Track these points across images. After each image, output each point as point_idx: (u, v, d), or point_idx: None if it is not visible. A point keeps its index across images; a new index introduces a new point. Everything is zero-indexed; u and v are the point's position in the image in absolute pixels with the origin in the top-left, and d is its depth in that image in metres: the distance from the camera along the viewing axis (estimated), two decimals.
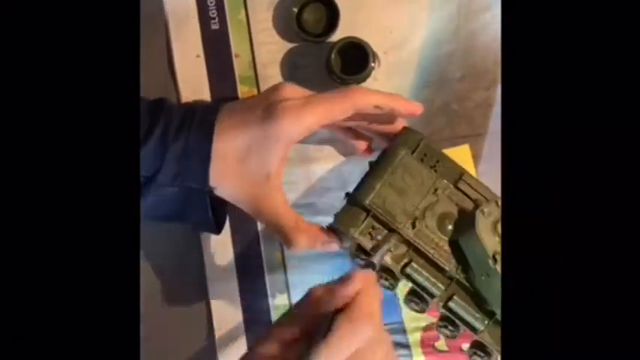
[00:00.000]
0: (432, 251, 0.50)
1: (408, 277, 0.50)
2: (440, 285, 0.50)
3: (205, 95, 0.61)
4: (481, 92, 0.59)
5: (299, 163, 0.60)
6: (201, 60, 0.61)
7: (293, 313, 0.43)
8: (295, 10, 0.59)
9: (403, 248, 0.51)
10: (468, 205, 0.52)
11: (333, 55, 0.57)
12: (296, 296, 0.60)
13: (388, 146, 0.53)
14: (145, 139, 0.50)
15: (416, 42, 0.60)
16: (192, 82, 0.61)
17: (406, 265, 0.50)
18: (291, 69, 0.61)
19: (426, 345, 0.59)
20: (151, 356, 0.58)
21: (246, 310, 0.60)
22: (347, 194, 0.52)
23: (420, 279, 0.50)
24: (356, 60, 0.58)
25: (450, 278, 0.50)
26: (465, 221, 0.50)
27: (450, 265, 0.50)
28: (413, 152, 0.53)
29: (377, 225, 0.51)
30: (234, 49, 0.61)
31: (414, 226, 0.51)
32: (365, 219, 0.50)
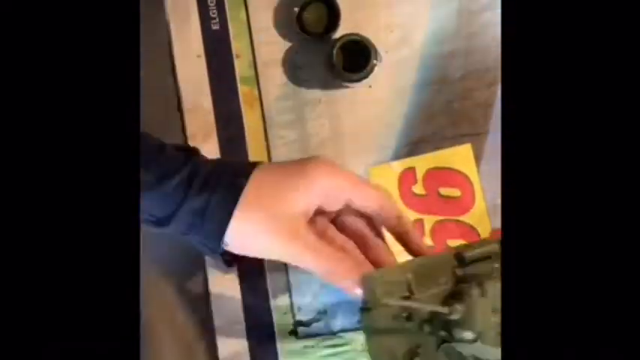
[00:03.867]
0: None
1: None
2: None
3: (206, 95, 0.61)
4: (482, 91, 0.59)
5: None
6: (202, 60, 0.61)
7: None
8: (296, 9, 0.59)
9: None
10: None
11: (334, 52, 0.57)
12: (297, 296, 0.60)
13: None
14: (163, 180, 0.48)
15: (417, 41, 0.60)
16: (193, 82, 0.61)
17: None
18: (292, 68, 0.61)
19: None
20: (151, 356, 0.58)
21: (247, 309, 0.60)
22: None
23: None
24: (358, 57, 0.58)
25: None
26: None
27: None
28: None
29: None
30: (234, 49, 0.61)
31: None
32: None
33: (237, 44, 0.61)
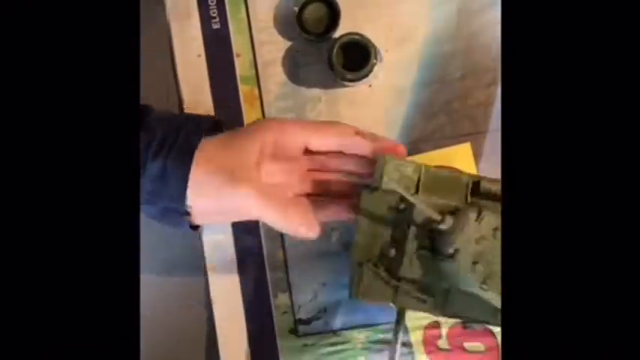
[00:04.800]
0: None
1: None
2: None
3: (206, 95, 0.61)
4: (482, 90, 0.59)
5: None
6: (202, 59, 0.61)
7: None
8: (296, 9, 0.59)
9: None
10: None
11: (334, 52, 0.57)
12: (297, 295, 0.60)
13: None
14: None
15: (417, 40, 0.60)
16: (194, 82, 0.61)
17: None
18: (293, 68, 0.61)
19: (429, 343, 0.59)
20: (152, 356, 0.58)
21: (247, 308, 0.60)
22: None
23: None
24: (358, 56, 0.58)
25: None
26: None
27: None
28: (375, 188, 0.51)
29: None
30: (235, 49, 0.61)
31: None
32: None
33: (238, 43, 0.61)
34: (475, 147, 0.58)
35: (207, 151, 0.51)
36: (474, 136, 0.59)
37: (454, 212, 0.48)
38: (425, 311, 0.51)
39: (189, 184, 0.50)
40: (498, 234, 0.47)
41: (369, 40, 0.58)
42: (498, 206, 0.49)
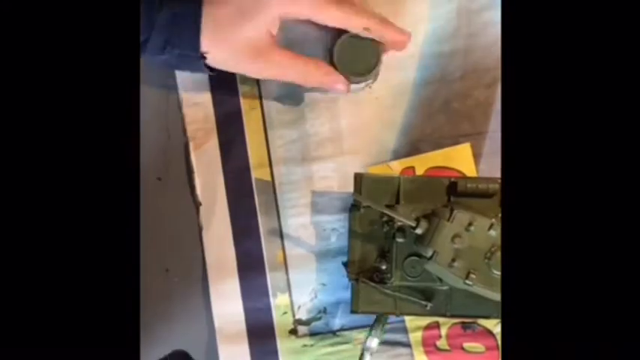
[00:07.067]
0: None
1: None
2: None
3: (206, 95, 0.61)
4: (482, 90, 0.59)
5: (300, 163, 0.60)
6: None
7: None
8: None
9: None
10: None
11: (335, 52, 0.57)
12: (297, 295, 0.60)
13: None
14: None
15: (417, 41, 0.60)
16: (194, 82, 0.61)
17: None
18: None
19: (427, 344, 0.59)
20: (152, 357, 0.58)
21: (247, 309, 0.60)
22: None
23: None
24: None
25: None
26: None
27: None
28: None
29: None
30: None
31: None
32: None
33: None
34: (475, 147, 0.58)
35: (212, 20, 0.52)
36: (474, 136, 0.59)
37: (428, 215, 0.50)
38: (430, 315, 0.53)
39: (203, 27, 0.52)
40: (472, 228, 0.48)
41: (370, 40, 0.58)
42: (469, 202, 0.51)
